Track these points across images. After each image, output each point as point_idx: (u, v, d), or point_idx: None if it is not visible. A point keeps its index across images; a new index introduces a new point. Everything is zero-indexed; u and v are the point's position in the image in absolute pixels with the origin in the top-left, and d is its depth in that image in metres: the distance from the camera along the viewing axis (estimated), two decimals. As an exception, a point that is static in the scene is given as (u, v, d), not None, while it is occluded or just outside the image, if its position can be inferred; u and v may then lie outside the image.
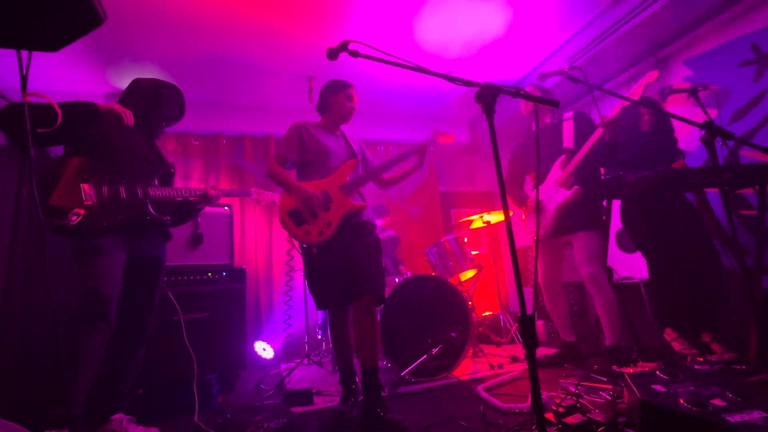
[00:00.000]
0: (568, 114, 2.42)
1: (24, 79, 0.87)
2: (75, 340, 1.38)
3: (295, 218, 1.86)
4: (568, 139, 2.35)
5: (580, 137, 2.29)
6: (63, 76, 3.22)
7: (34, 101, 1.22)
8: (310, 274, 1.94)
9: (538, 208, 2.10)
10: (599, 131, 2.13)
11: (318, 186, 1.89)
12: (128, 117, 1.62)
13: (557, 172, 2.31)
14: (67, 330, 1.40)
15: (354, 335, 1.84)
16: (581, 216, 2.26)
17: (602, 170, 2.49)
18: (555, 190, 2.30)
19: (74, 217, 1.45)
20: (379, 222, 3.67)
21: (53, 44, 0.85)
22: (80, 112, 1.53)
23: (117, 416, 1.54)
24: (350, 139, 2.12)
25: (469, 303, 2.94)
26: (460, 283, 3.09)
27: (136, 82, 1.82)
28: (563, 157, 2.30)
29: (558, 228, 2.31)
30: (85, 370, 1.38)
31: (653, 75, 1.99)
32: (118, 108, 1.61)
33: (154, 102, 1.78)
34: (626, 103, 2.08)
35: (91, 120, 1.55)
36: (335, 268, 1.85)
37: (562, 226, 2.30)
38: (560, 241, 2.44)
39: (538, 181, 1.98)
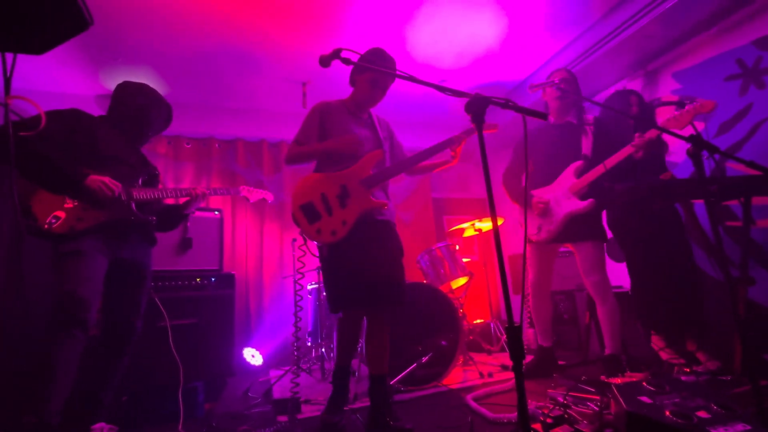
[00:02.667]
0: (589, 117, 2.36)
1: (8, 81, 0.86)
2: (49, 346, 1.33)
3: (308, 213, 1.65)
4: (587, 145, 2.29)
5: (599, 146, 2.25)
6: (53, 76, 3.18)
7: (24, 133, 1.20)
8: (327, 274, 1.77)
9: (544, 210, 2.05)
10: (629, 149, 2.02)
11: (336, 179, 1.69)
12: (113, 193, 1.55)
13: (570, 178, 2.24)
14: (44, 335, 1.37)
15: (367, 343, 1.78)
16: (588, 225, 2.23)
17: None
18: (567, 197, 2.24)
19: (53, 220, 1.43)
20: None
21: (38, 47, 0.84)
22: (63, 179, 1.48)
23: (98, 425, 1.51)
24: (378, 123, 1.90)
25: (460, 311, 2.94)
26: (452, 290, 3.09)
27: (122, 91, 1.76)
28: (579, 163, 2.23)
29: (562, 234, 2.27)
30: (60, 378, 1.33)
31: (709, 105, 1.75)
32: (104, 187, 1.53)
33: (141, 118, 1.74)
34: (663, 120, 1.89)
35: (70, 192, 1.51)
36: (355, 268, 1.67)
37: (566, 233, 2.26)
38: (557, 247, 2.42)
39: (527, 183, 1.94)
